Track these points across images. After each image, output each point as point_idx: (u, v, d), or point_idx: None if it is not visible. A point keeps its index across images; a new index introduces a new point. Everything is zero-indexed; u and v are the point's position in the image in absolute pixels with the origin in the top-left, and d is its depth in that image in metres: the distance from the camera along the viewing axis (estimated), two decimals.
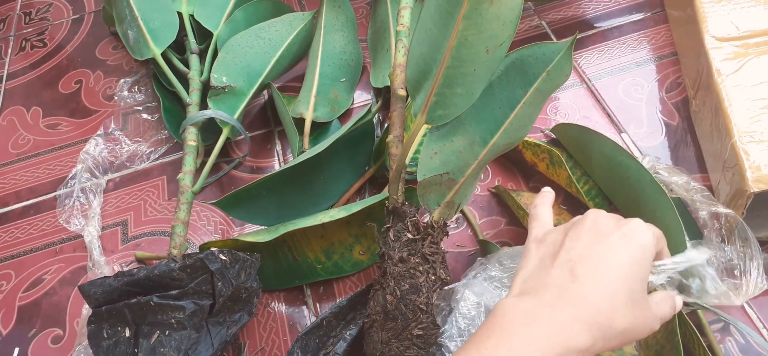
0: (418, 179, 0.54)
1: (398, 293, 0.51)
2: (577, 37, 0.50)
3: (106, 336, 0.53)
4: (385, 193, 0.64)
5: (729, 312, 0.56)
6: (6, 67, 0.95)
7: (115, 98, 0.86)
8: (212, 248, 0.53)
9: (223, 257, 0.52)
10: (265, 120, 0.80)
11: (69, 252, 0.71)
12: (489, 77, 0.52)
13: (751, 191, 0.51)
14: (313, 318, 0.61)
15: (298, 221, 0.61)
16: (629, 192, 0.58)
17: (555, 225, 0.61)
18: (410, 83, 0.54)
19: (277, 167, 0.75)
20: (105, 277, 0.55)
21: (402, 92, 0.62)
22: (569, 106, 0.74)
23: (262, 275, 0.63)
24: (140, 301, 0.51)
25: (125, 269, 0.65)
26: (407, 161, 0.67)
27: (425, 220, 0.54)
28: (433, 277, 0.52)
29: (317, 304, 0.63)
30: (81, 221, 0.73)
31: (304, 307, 0.63)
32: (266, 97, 0.82)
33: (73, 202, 0.75)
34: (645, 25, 0.81)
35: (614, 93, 0.74)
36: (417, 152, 0.68)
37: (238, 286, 0.54)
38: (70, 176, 0.77)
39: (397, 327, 0.50)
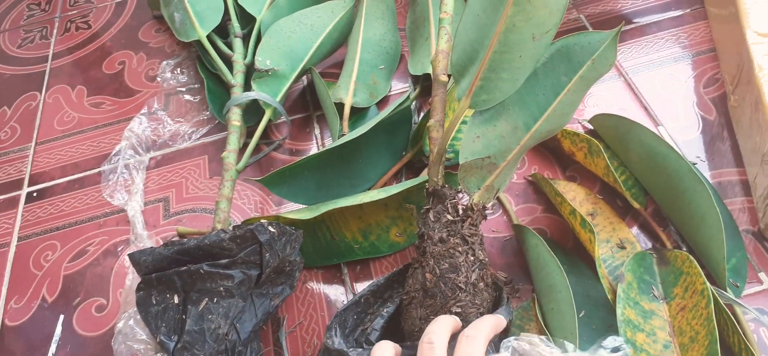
0: (460, 162, 0.55)
1: (438, 271, 0.52)
2: (623, 27, 0.51)
3: (154, 302, 0.55)
4: (423, 177, 0.65)
5: (762, 304, 0.56)
6: (52, 47, 0.98)
7: (158, 79, 0.88)
8: (262, 220, 0.54)
9: (272, 230, 0.53)
10: (304, 105, 0.82)
11: (112, 226, 0.73)
12: (534, 64, 0.53)
13: None
14: (350, 296, 0.62)
15: (338, 201, 0.63)
16: (667, 182, 0.58)
17: (591, 214, 0.63)
18: (455, 68, 0.55)
19: (315, 151, 0.76)
20: (154, 246, 0.57)
21: (444, 78, 0.63)
22: (606, 98, 0.75)
23: (302, 252, 0.65)
24: (190, 269, 0.53)
25: (166, 243, 0.68)
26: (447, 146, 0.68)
27: (463, 203, 0.55)
28: (471, 258, 0.53)
29: (354, 283, 0.64)
30: (124, 196, 0.75)
31: (341, 285, 0.64)
32: (305, 82, 0.84)
33: (117, 177, 0.77)
34: (683, 21, 0.81)
35: (651, 87, 0.75)
36: (455, 138, 0.70)
37: (283, 258, 0.55)
38: (114, 152, 0.79)
39: (436, 305, 0.51)
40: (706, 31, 0.79)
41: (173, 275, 0.54)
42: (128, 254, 0.57)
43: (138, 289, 0.56)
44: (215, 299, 0.53)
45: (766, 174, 0.57)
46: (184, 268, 0.53)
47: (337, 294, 0.64)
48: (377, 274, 0.65)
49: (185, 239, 0.55)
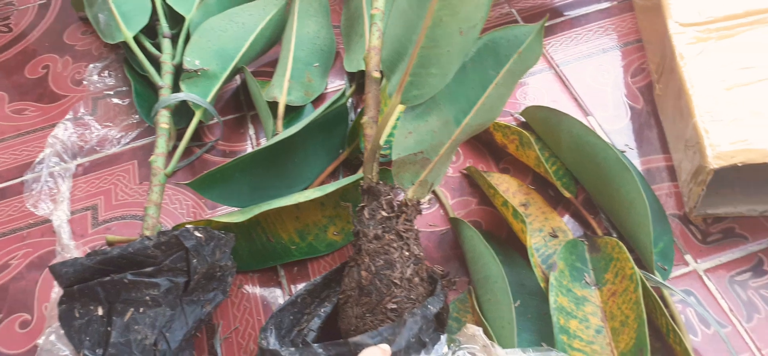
0: (393, 158, 0.55)
1: (373, 269, 0.52)
2: (547, 19, 0.51)
3: (77, 315, 0.52)
4: (359, 174, 0.64)
5: (688, 285, 0.58)
6: None
7: (85, 82, 0.85)
8: (188, 225, 0.53)
9: (198, 235, 0.52)
10: (238, 105, 0.80)
11: (37, 237, 0.70)
12: (462, 58, 0.53)
13: (711, 167, 0.54)
14: (288, 298, 0.61)
15: (272, 202, 0.61)
16: (596, 171, 0.60)
17: (523, 204, 0.63)
18: (385, 64, 0.55)
19: (250, 152, 0.75)
20: (77, 257, 0.54)
21: (376, 74, 0.62)
22: (538, 91, 0.76)
23: (236, 256, 0.63)
24: (114, 279, 0.51)
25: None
26: (382, 143, 0.68)
27: (399, 199, 0.55)
28: (406, 253, 0.53)
29: (291, 284, 0.63)
30: (49, 205, 0.72)
31: (278, 288, 0.63)
32: (239, 82, 0.82)
33: (41, 187, 0.74)
34: (611, 13, 0.83)
35: (581, 78, 0.76)
36: (391, 134, 0.69)
37: (212, 264, 0.54)
38: (38, 160, 0.76)
39: (372, 302, 0.51)
40: (632, 23, 0.81)
41: (96, 286, 0.52)
42: (49, 267, 0.54)
43: (60, 303, 0.54)
44: (141, 308, 0.51)
45: (690, 159, 0.59)
46: (107, 278, 0.51)
47: (275, 297, 0.62)
48: (315, 274, 0.64)
49: (108, 248, 0.53)
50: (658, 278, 0.56)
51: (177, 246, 0.51)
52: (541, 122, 0.67)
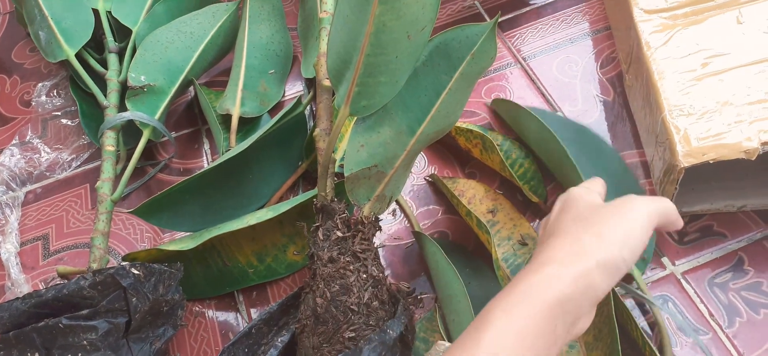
0: (346, 174, 0.51)
1: (328, 295, 0.48)
2: (500, 17, 0.48)
3: None
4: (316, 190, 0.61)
5: (666, 290, 0.55)
6: None
7: (33, 103, 0.81)
8: (123, 263, 0.49)
9: (136, 272, 0.48)
10: (192, 119, 0.76)
11: None
12: (413, 64, 0.49)
13: (682, 166, 0.50)
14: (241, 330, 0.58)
15: (223, 225, 0.58)
16: (560, 168, 0.56)
17: (491, 211, 0.60)
18: (332, 73, 0.51)
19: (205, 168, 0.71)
20: (12, 300, 0.51)
21: (327, 83, 0.59)
22: (504, 87, 0.72)
23: (192, 283, 0.60)
24: (49, 324, 0.48)
25: (47, 286, 0.61)
26: (339, 155, 0.64)
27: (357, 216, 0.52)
28: (364, 275, 0.50)
29: (250, 310, 0.60)
30: None
31: (237, 314, 0.60)
32: (192, 94, 0.78)
33: None
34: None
35: (549, 71, 0.72)
36: None
37: (156, 300, 0.50)
38: None
39: (328, 331, 0.48)
40: (601, 9, 0.77)
41: (31, 332, 0.48)
42: None
43: None
44: (79, 354, 0.48)
45: (661, 156, 0.55)
46: (42, 323, 0.48)
47: (233, 324, 0.59)
48: (275, 298, 0.61)
49: (43, 290, 0.50)
50: (634, 286, 0.53)
51: (114, 285, 0.48)
52: (509, 115, 0.64)
